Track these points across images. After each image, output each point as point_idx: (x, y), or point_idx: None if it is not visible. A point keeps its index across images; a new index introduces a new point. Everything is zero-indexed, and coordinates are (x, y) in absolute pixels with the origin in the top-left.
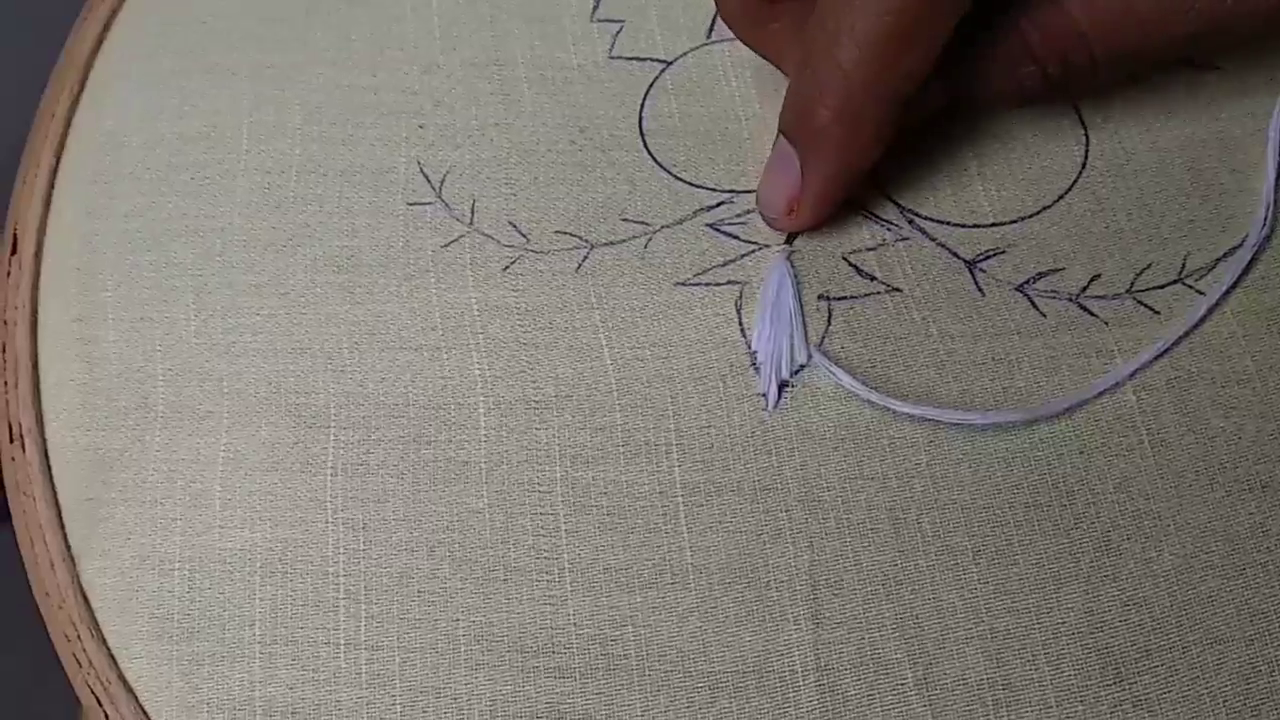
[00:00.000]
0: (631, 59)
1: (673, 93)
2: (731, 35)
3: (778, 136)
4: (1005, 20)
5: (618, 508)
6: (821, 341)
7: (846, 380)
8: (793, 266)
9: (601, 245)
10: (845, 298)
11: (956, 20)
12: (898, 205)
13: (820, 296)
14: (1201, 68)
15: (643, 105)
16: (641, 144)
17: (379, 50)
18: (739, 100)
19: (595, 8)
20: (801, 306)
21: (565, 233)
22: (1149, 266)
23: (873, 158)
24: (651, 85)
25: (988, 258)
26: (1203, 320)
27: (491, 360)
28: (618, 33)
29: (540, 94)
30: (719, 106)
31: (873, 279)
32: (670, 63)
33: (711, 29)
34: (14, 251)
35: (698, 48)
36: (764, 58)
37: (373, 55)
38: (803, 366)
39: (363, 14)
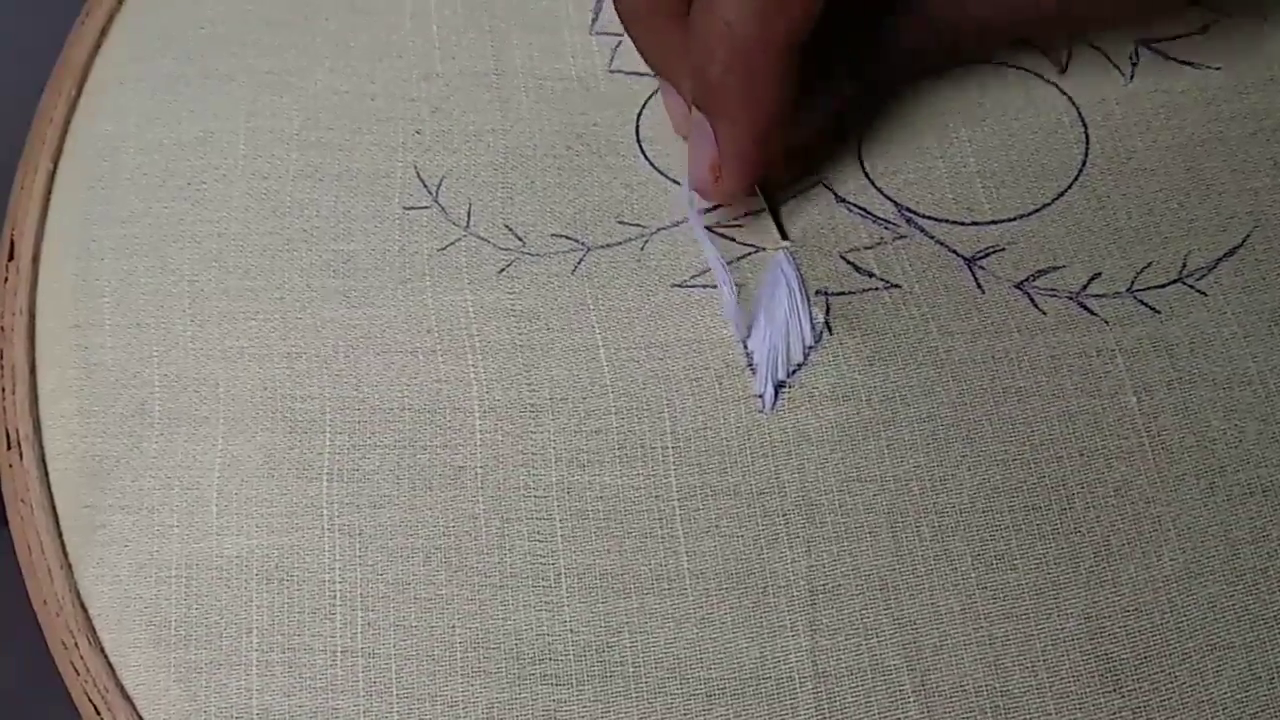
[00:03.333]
0: (631, 74)
1: None
2: None
3: (692, 110)
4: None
5: (614, 512)
6: (819, 337)
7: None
8: (790, 267)
9: (598, 247)
10: (843, 293)
11: None
12: (896, 204)
13: (818, 292)
14: (1202, 66)
15: (640, 115)
16: (638, 149)
17: (377, 57)
18: None
19: (594, 20)
20: (799, 305)
21: (562, 235)
22: (1149, 265)
23: (776, 111)
24: (650, 98)
25: (987, 255)
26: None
27: (487, 363)
28: (617, 46)
29: (538, 102)
30: None
31: (871, 275)
32: None
33: None
34: (11, 257)
35: None
36: (649, 62)
37: (371, 62)
38: (799, 366)
39: (362, 21)
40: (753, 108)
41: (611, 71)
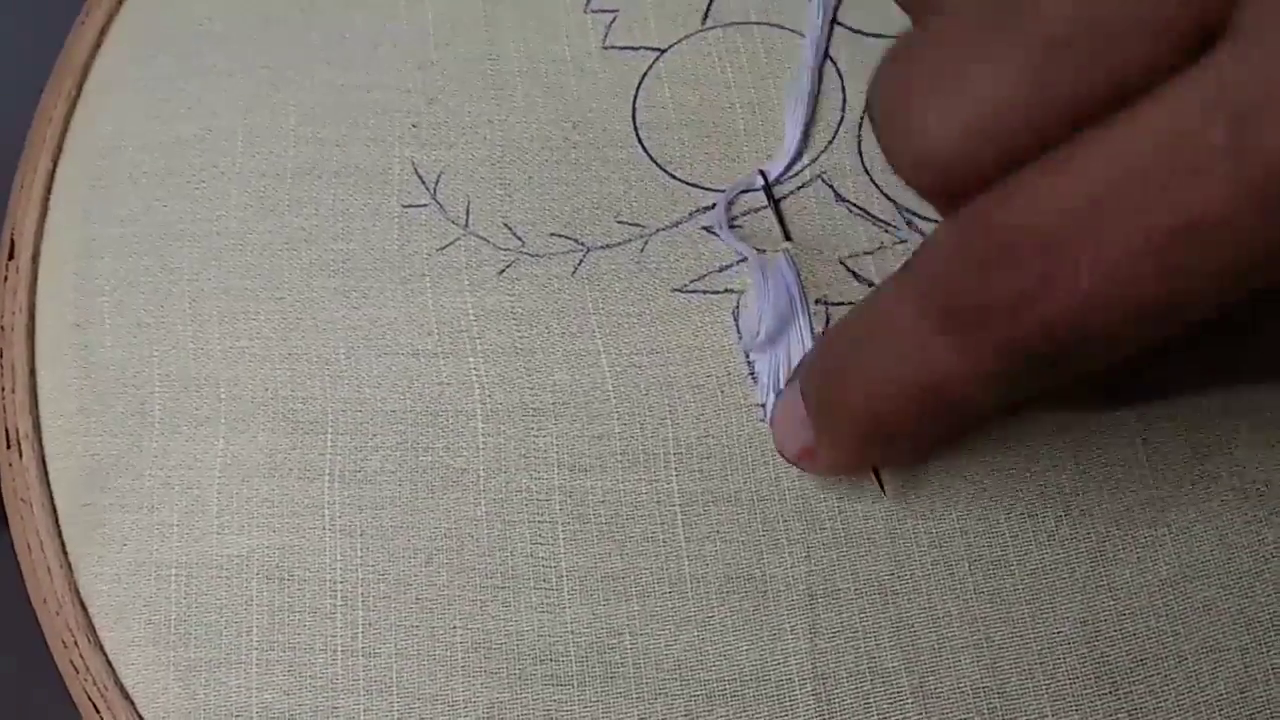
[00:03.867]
0: (625, 48)
1: (667, 81)
2: (726, 21)
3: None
4: None
5: (615, 516)
6: None
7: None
8: (792, 274)
9: (598, 248)
10: (843, 303)
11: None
12: (896, 204)
13: (818, 301)
14: None
15: (636, 96)
16: (636, 139)
17: (373, 47)
18: (734, 87)
19: None
20: (800, 315)
21: (561, 235)
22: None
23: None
24: (645, 75)
25: None
26: None
27: (489, 366)
28: (611, 22)
29: (533, 89)
30: (714, 94)
31: (871, 285)
32: (664, 50)
33: (707, 14)
34: (11, 256)
35: (692, 35)
36: None
37: (367, 53)
38: None
39: (358, 12)
40: (860, 459)
41: (605, 48)
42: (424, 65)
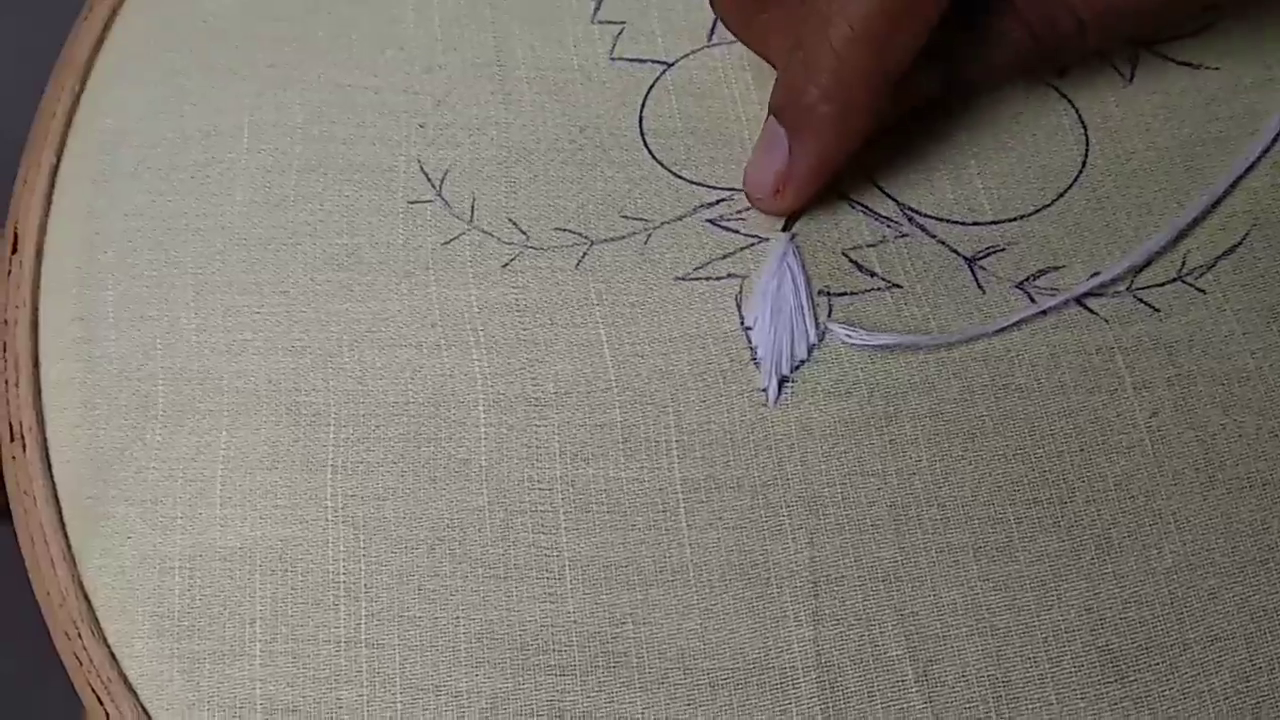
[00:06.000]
0: (632, 60)
1: (673, 93)
2: (733, 38)
3: (767, 117)
4: None
5: (618, 505)
6: (823, 336)
7: (867, 338)
8: (795, 262)
9: (601, 241)
10: (845, 293)
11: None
12: (897, 203)
13: (820, 292)
14: (1200, 67)
15: (643, 106)
16: (642, 143)
17: (380, 50)
18: (740, 102)
19: (596, 10)
20: (803, 303)
21: (565, 229)
22: (1148, 264)
23: (862, 138)
24: (652, 87)
25: (988, 255)
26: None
27: (491, 357)
28: (619, 34)
29: (540, 94)
30: (720, 107)
31: (873, 275)
32: (671, 64)
33: (713, 31)
34: (14, 250)
35: (699, 50)
36: (753, 50)
37: (374, 55)
38: (803, 362)
39: (364, 14)
40: (842, 136)
41: (613, 59)
42: (431, 69)
